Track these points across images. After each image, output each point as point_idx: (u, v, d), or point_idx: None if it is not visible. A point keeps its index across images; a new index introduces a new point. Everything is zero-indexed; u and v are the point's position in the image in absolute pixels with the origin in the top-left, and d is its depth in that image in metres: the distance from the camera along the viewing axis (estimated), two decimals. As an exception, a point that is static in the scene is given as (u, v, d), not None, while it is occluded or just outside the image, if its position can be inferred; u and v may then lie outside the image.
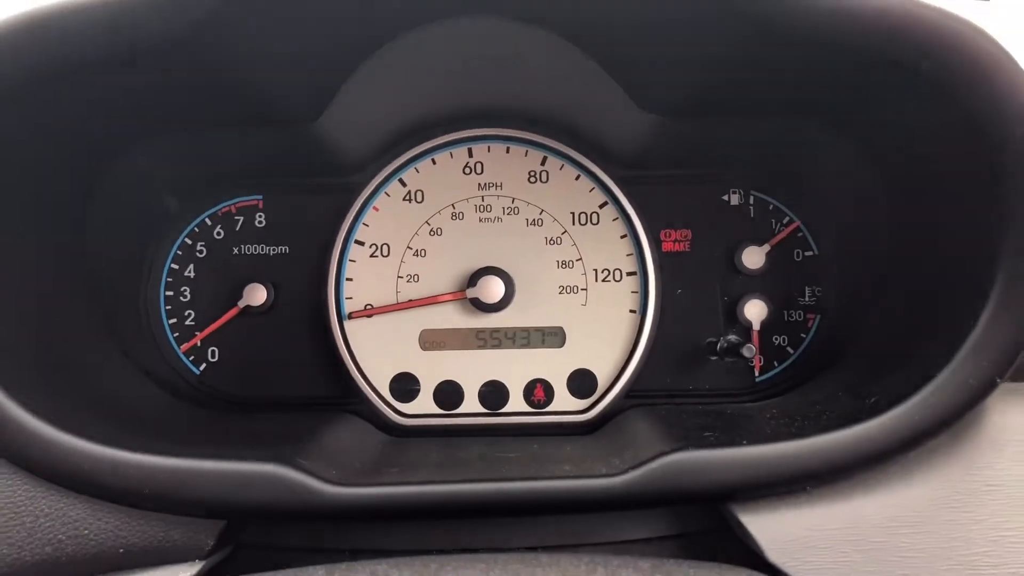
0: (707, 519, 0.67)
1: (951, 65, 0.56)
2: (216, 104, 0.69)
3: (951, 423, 0.64)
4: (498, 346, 0.83)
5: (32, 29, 0.53)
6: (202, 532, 0.63)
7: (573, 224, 0.84)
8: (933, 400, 0.63)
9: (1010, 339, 0.62)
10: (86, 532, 0.62)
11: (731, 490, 0.63)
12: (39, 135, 0.63)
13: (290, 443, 0.68)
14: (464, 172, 0.84)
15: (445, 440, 0.80)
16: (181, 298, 0.83)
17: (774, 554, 0.61)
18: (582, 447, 0.76)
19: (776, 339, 0.85)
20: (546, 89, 0.78)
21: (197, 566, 0.63)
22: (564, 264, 0.84)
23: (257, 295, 0.82)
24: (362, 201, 0.82)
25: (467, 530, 0.68)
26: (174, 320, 0.83)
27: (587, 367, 0.83)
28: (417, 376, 0.83)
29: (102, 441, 0.62)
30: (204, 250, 0.83)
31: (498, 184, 0.84)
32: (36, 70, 0.55)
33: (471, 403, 0.82)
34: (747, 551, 0.61)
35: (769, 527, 0.63)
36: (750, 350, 0.79)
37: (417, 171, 0.83)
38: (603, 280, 0.84)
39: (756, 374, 0.84)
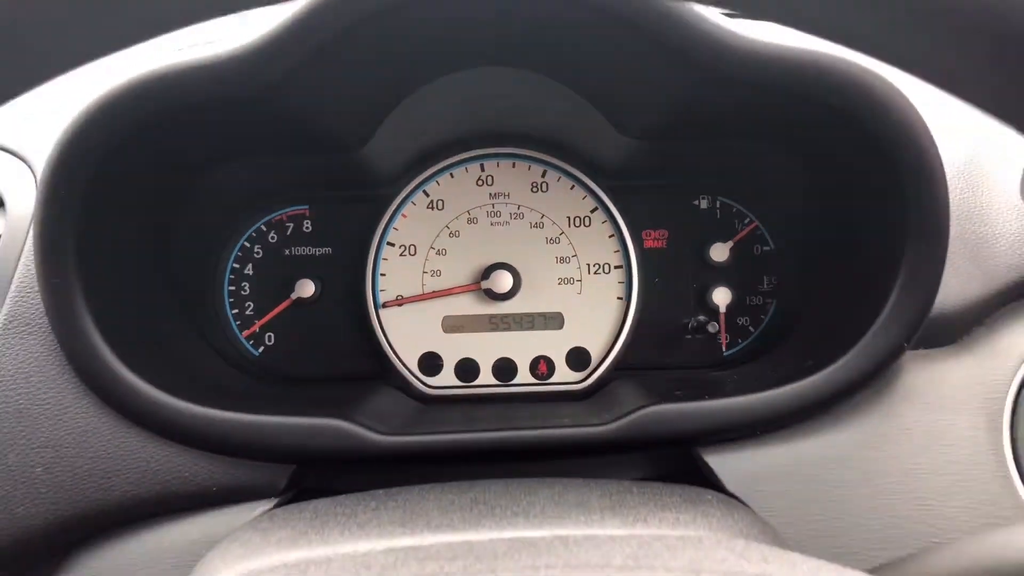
0: (680, 463, 0.82)
1: (853, 99, 0.71)
2: (280, 135, 0.84)
3: (869, 381, 0.78)
4: (507, 329, 0.97)
5: (162, 80, 0.69)
6: (277, 475, 0.78)
7: (569, 226, 0.97)
8: (854, 363, 0.78)
9: (913, 314, 0.76)
10: (187, 474, 0.77)
11: (696, 435, 0.78)
12: (149, 159, 0.78)
13: (342, 406, 0.83)
14: (477, 184, 0.97)
15: (465, 405, 0.95)
16: (242, 292, 0.98)
17: (732, 485, 0.77)
18: (578, 408, 0.92)
19: (740, 320, 0.98)
20: (545, 117, 0.92)
21: (272, 502, 0.78)
22: (562, 260, 0.97)
23: (307, 288, 0.96)
24: (393, 209, 0.95)
25: (486, 475, 0.82)
26: (236, 310, 0.98)
27: (582, 345, 0.96)
28: (440, 354, 0.96)
29: (199, 402, 0.77)
30: (260, 252, 0.98)
31: (506, 194, 0.97)
32: (158, 112, 0.70)
33: (486, 376, 0.96)
34: (712, 486, 0.75)
35: (728, 465, 0.78)
36: (714, 326, 0.94)
37: (438, 184, 0.97)
38: (595, 273, 0.97)
39: (723, 349, 0.98)
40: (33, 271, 0.75)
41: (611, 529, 0.55)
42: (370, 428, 0.77)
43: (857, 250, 0.85)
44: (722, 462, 0.77)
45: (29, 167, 0.80)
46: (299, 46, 0.65)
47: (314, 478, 0.80)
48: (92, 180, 0.71)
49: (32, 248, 0.75)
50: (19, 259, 0.76)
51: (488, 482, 0.66)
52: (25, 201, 0.78)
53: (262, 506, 0.76)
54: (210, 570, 0.57)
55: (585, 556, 0.45)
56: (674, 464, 0.82)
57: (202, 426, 0.75)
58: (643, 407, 0.78)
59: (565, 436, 0.78)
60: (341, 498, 0.65)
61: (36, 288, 0.74)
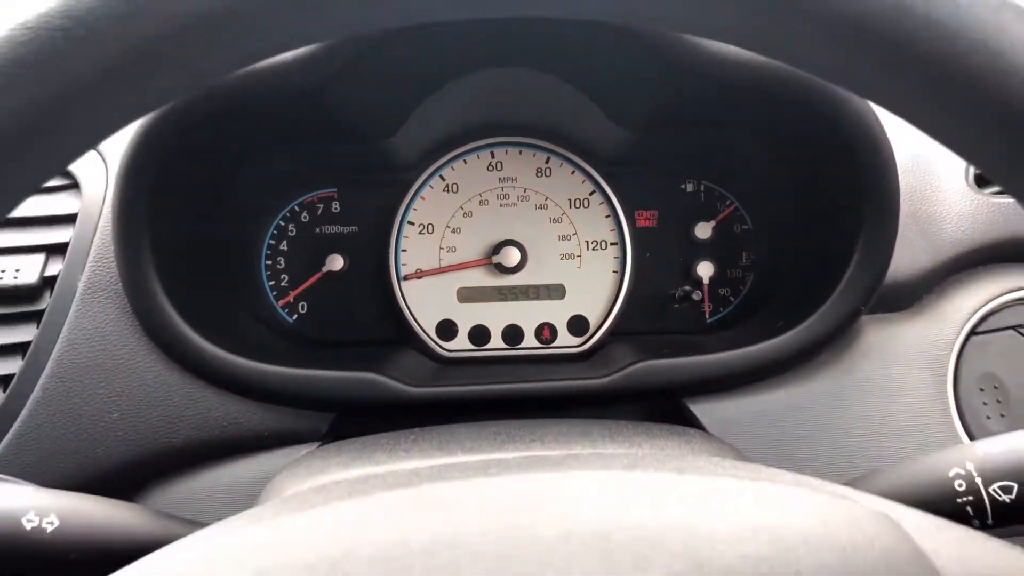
0: (668, 414, 0.94)
1: (815, 98, 0.82)
2: (318, 126, 0.95)
3: (831, 340, 0.90)
4: (515, 299, 1.07)
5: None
6: (318, 422, 0.89)
7: (570, 207, 1.08)
8: (818, 324, 0.90)
9: (869, 283, 0.88)
10: (242, 420, 0.88)
11: (683, 386, 0.90)
12: (207, 147, 0.90)
13: (371, 364, 0.95)
14: (488, 169, 1.08)
15: (478, 366, 1.06)
16: (277, 266, 1.09)
17: (713, 430, 0.89)
18: (578, 367, 1.03)
19: (721, 291, 1.09)
20: (549, 110, 1.03)
21: (315, 445, 0.91)
22: (564, 237, 1.08)
23: (336, 262, 1.07)
24: (413, 192, 1.06)
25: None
26: (272, 282, 1.09)
27: (582, 313, 1.07)
28: (455, 321, 1.07)
29: (251, 358, 0.89)
30: (294, 230, 1.08)
31: (514, 178, 1.08)
32: (227, 103, 0.81)
33: (496, 340, 1.07)
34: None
35: (710, 413, 0.90)
36: (699, 295, 1.06)
37: (453, 169, 1.08)
38: (592, 249, 1.08)
39: (707, 316, 1.09)
40: (107, 244, 0.86)
41: (611, 449, 0.67)
42: (400, 381, 0.89)
43: (821, 228, 0.97)
44: (704, 411, 0.90)
45: (100, 155, 0.91)
46: (357, 42, 0.76)
47: (350, 426, 0.91)
48: (161, 166, 0.82)
49: (106, 224, 0.87)
50: (95, 234, 0.87)
51: (506, 421, 0.78)
52: (98, 184, 0.89)
53: (306, 448, 0.88)
54: (280, 488, 0.68)
55: (590, 463, 0.57)
56: (661, 415, 0.94)
57: (255, 378, 0.86)
58: (636, 362, 0.90)
59: (571, 387, 0.90)
60: (383, 434, 0.77)
61: (110, 258, 0.86)
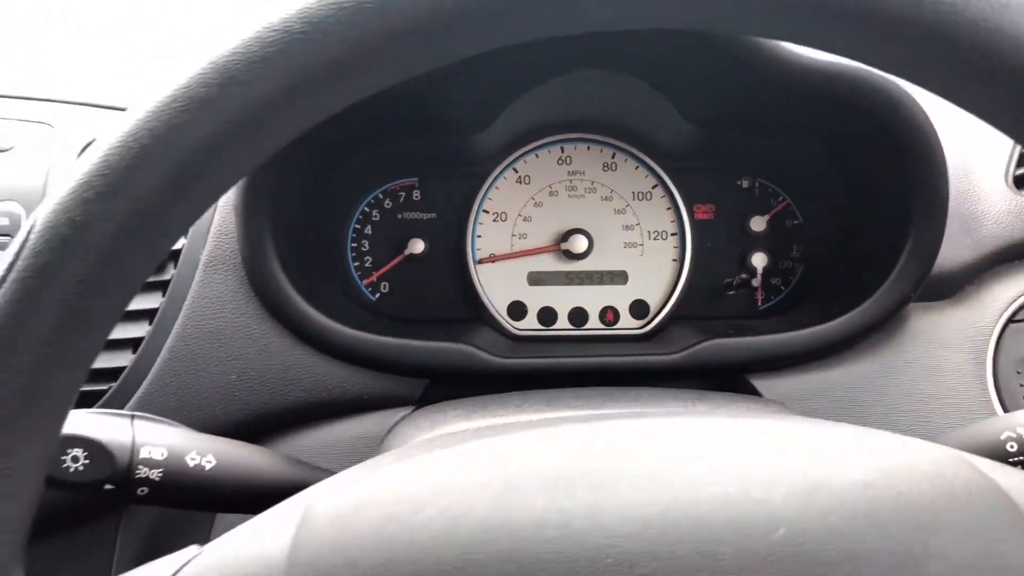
0: (730, 389, 1.02)
1: (874, 101, 0.91)
2: (415, 121, 1.05)
3: (882, 324, 0.98)
4: (581, 283, 1.16)
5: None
6: (414, 387, 0.97)
7: (634, 200, 1.16)
8: (871, 309, 0.98)
9: (918, 273, 0.95)
10: (345, 384, 0.95)
11: (747, 364, 0.98)
12: (318, 136, 0.98)
13: (455, 338, 1.03)
14: (558, 163, 1.16)
15: (547, 343, 1.15)
16: (362, 248, 1.17)
17: (772, 403, 0.97)
18: (641, 346, 1.12)
19: (773, 280, 1.17)
20: (619, 108, 1.12)
21: (410, 408, 0.99)
22: (627, 227, 1.16)
23: (417, 246, 1.15)
24: (489, 183, 1.15)
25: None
26: (357, 264, 1.17)
27: (643, 298, 1.15)
28: (525, 303, 1.15)
29: (354, 328, 0.98)
30: (378, 215, 1.16)
31: (582, 171, 1.16)
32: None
33: (563, 321, 1.15)
34: None
35: (770, 388, 0.98)
36: (756, 281, 1.15)
37: (525, 162, 1.16)
38: (654, 239, 1.16)
39: (759, 304, 1.19)
40: (226, 221, 0.95)
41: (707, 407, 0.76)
42: (488, 352, 0.98)
43: (871, 223, 1.06)
44: (766, 386, 0.98)
45: None
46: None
47: (439, 392, 0.99)
48: (282, 153, 0.91)
49: (225, 203, 0.95)
50: (215, 212, 0.96)
51: (599, 387, 0.87)
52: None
53: (403, 412, 0.96)
54: (404, 437, 0.77)
55: (698, 414, 0.65)
56: (721, 390, 1.03)
57: (359, 346, 0.95)
58: (702, 341, 0.99)
59: (644, 362, 0.99)
60: (483, 396, 0.85)
61: (229, 234, 0.94)
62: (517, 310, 1.16)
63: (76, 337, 0.49)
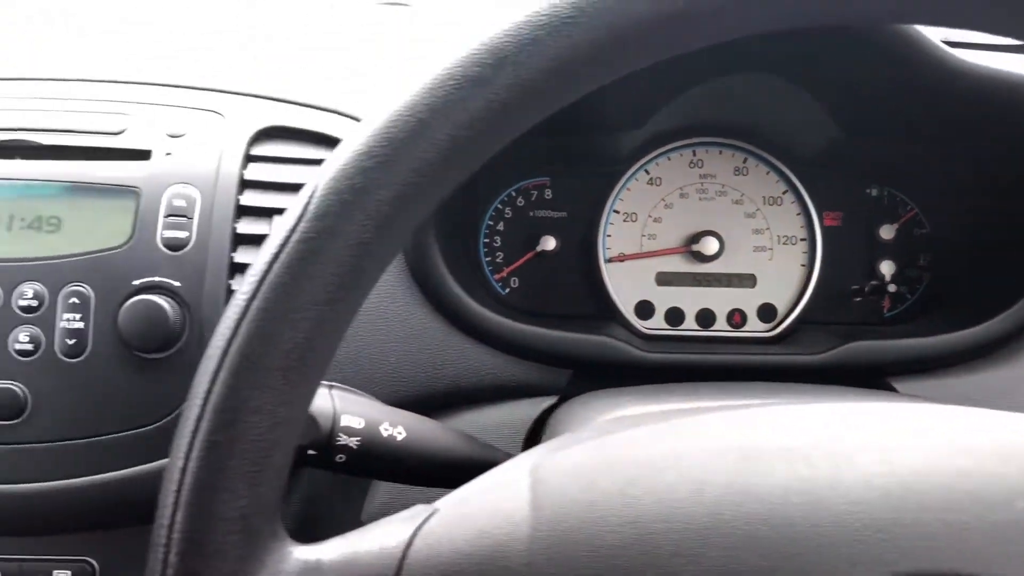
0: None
1: None
2: (559, 120, 1.07)
3: (1019, 334, 1.01)
4: (708, 285, 1.18)
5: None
6: (560, 376, 1.00)
7: (764, 204, 1.18)
8: (1011, 317, 1.00)
9: None
10: (495, 372, 0.97)
11: (891, 366, 1.00)
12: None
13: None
14: (689, 166, 1.19)
15: (677, 343, 1.17)
16: (494, 244, 1.20)
17: (915, 407, 0.99)
18: (772, 348, 1.13)
19: (900, 288, 1.19)
20: (756, 112, 1.14)
21: (555, 398, 1.02)
22: (757, 231, 1.18)
23: (549, 243, 1.17)
24: (621, 184, 1.17)
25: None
26: (489, 259, 1.20)
27: (771, 302, 1.17)
28: (653, 302, 1.17)
29: (506, 317, 1.00)
30: (510, 212, 1.19)
31: (713, 175, 1.18)
32: None
33: (690, 322, 1.17)
34: None
35: (912, 391, 1.00)
36: (893, 287, 1.17)
37: (657, 164, 1.18)
38: (783, 244, 1.18)
39: (885, 311, 1.21)
40: (387, 211, 0.98)
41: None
42: (634, 345, 1.00)
43: (1004, 237, 1.07)
44: (908, 389, 0.99)
45: None
46: None
47: (583, 383, 1.01)
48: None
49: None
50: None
51: (754, 383, 0.89)
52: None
53: (548, 401, 0.99)
54: (579, 420, 0.79)
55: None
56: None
57: (510, 334, 0.97)
58: (846, 342, 1.01)
59: (793, 361, 1.00)
60: (648, 386, 0.87)
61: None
62: (644, 309, 1.18)
63: (349, 296, 0.53)
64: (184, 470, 0.49)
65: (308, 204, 0.51)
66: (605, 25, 0.50)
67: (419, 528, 0.49)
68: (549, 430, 0.86)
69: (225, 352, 0.50)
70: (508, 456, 0.82)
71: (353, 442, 0.71)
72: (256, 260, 0.51)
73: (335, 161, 0.51)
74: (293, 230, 0.51)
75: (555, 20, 0.50)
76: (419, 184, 0.51)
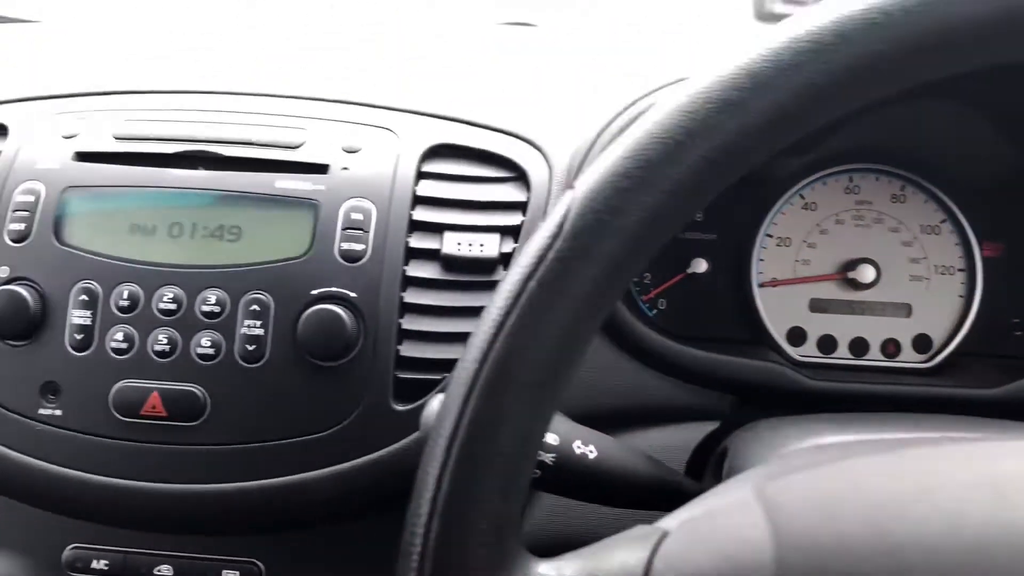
0: None
1: None
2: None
3: None
4: (863, 313, 1.15)
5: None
6: (722, 401, 1.01)
7: (921, 233, 1.15)
8: None
9: None
10: (657, 394, 0.98)
11: None
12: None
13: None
14: (845, 192, 1.17)
15: (827, 370, 1.15)
16: (642, 265, 1.21)
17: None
18: (930, 380, 1.11)
19: (1058, 324, 1.16)
20: (915, 136, 1.13)
21: (716, 423, 1.01)
22: (914, 260, 1.15)
23: (700, 265, 1.16)
24: (776, 208, 1.16)
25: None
26: (636, 280, 1.20)
27: (926, 332, 1.14)
28: (805, 329, 1.15)
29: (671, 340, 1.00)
30: (660, 233, 1.21)
31: (869, 201, 1.16)
32: None
33: (843, 350, 1.14)
34: None
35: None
36: (1067, 323, 1.13)
37: (813, 189, 1.17)
38: (941, 274, 1.15)
39: (1046, 346, 1.17)
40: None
41: None
42: (801, 373, 0.99)
43: None
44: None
45: (542, 154, 1.03)
46: None
47: (745, 409, 1.01)
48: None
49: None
50: (543, 219, 1.00)
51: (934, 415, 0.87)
52: (542, 176, 1.02)
53: (710, 425, 0.98)
54: (767, 447, 0.78)
55: None
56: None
57: (680, 357, 0.98)
58: (1017, 378, 0.98)
59: (958, 394, 0.98)
60: (829, 415, 0.86)
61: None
62: (797, 335, 1.16)
63: (597, 315, 0.53)
64: (440, 479, 0.50)
65: (563, 223, 0.52)
66: (868, 53, 0.50)
67: (656, 549, 0.50)
68: (734, 453, 0.85)
69: (481, 365, 0.51)
70: (690, 480, 0.82)
71: (549, 458, 0.72)
72: (508, 277, 0.53)
73: (589, 181, 0.52)
74: (548, 248, 0.52)
75: (817, 46, 0.50)
76: (672, 206, 0.52)
